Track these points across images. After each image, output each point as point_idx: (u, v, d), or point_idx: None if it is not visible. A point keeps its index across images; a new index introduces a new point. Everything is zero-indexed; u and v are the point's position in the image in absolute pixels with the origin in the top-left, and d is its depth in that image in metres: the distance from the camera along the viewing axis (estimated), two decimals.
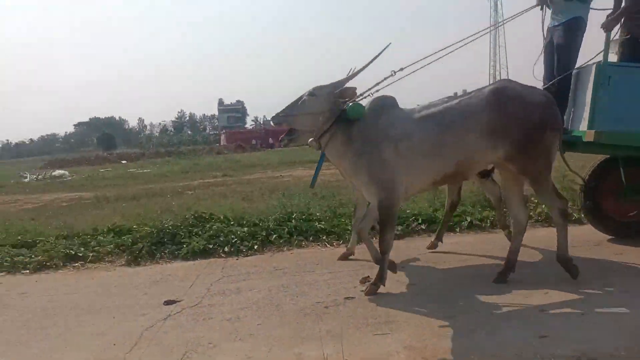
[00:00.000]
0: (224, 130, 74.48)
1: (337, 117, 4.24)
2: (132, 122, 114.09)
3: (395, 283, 4.72)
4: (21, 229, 8.11)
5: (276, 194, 10.32)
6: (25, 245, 7.18)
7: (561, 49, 5.07)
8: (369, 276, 4.81)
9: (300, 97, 4.39)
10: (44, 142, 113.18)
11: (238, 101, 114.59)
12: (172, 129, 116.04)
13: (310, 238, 6.71)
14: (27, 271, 6.33)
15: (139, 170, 26.28)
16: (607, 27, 4.81)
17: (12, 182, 26.80)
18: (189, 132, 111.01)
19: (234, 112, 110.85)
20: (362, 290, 4.58)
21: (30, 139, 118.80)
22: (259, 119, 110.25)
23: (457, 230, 6.59)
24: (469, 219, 6.69)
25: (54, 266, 6.42)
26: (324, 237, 6.72)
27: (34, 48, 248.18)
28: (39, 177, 29.67)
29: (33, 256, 6.66)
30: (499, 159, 4.16)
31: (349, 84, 4.35)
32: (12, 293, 5.48)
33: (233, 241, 6.63)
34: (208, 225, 7.15)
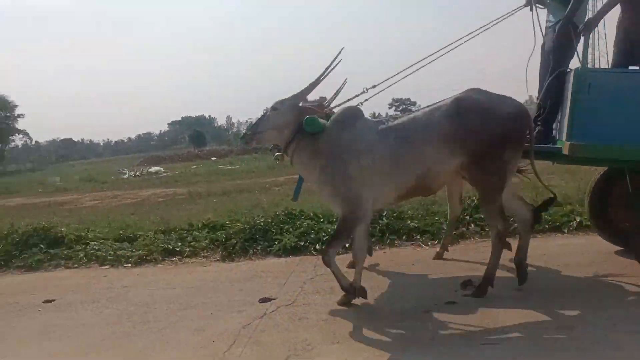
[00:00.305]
0: None
1: (301, 129, 4.16)
2: (221, 120, 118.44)
3: (503, 288, 4.39)
4: (122, 223, 8.50)
5: None
6: (127, 239, 7.51)
7: (552, 52, 4.57)
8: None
9: (265, 114, 4.38)
10: (140, 141, 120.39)
11: (322, 98, 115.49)
12: None
13: (404, 237, 6.50)
14: (129, 265, 6.61)
15: (228, 167, 27.13)
16: (586, 28, 4.24)
17: (113, 179, 28.60)
18: None
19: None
20: (465, 295, 4.32)
21: (129, 138, 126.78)
22: None
23: (565, 231, 6.10)
24: (578, 218, 6.17)
25: (153, 260, 6.65)
26: (417, 236, 6.48)
27: (134, 55, 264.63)
28: (137, 173, 31.46)
29: (134, 250, 6.95)
30: (456, 168, 4.00)
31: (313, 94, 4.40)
32: (116, 286, 5.72)
33: (324, 239, 6.54)
34: (298, 222, 7.12)
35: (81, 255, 6.98)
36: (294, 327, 4.05)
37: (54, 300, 5.31)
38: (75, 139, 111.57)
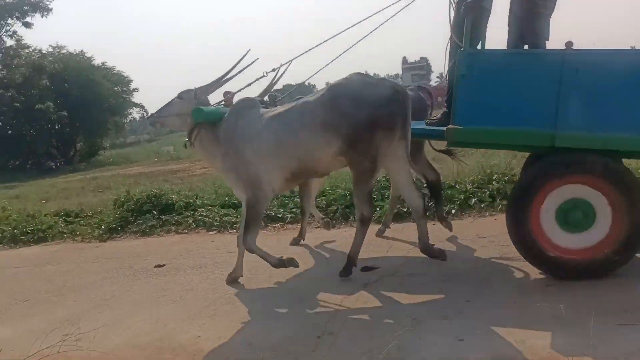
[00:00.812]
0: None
1: None
2: (319, 87, 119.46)
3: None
4: (228, 190, 8.69)
5: (473, 154, 9.55)
6: (232, 205, 7.66)
7: (454, 30, 4.21)
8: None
9: (172, 100, 4.67)
10: None
11: (422, 58, 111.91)
12: None
13: None
14: (234, 231, 6.73)
15: None
16: (467, 11, 3.85)
17: None
18: None
19: (418, 69, 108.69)
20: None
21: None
22: (443, 75, 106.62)
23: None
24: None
25: None
26: None
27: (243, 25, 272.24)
28: None
29: (239, 217, 7.06)
30: (335, 154, 4.01)
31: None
32: (222, 251, 5.84)
33: (428, 205, 6.21)
34: None
35: (190, 221, 7.24)
36: (398, 299, 3.84)
37: (164, 265, 5.52)
38: None
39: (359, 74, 4.18)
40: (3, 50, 31.24)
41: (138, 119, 73.51)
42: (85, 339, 3.66)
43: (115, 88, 35.71)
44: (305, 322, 3.68)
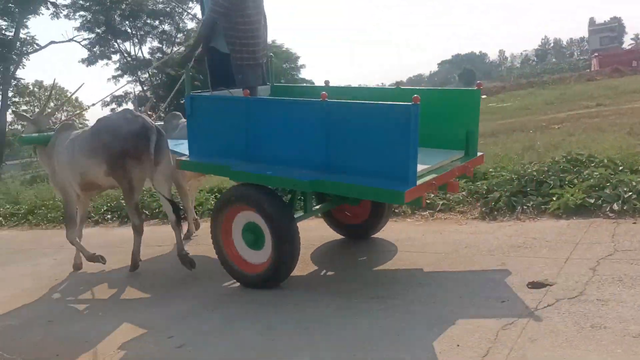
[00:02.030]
0: (595, 54, 64.99)
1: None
2: (492, 56, 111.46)
3: None
4: None
5: None
6: None
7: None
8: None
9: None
10: (411, 83, 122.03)
11: (613, 18, 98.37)
12: (535, 59, 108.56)
13: None
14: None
15: (499, 105, 24.78)
16: (180, 64, 5.12)
17: None
18: (554, 59, 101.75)
19: (608, 31, 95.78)
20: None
21: (400, 80, 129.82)
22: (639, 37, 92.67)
23: None
24: None
25: (402, 213, 5.81)
26: None
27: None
28: None
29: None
30: (105, 174, 4.76)
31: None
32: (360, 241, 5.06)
33: (626, 195, 4.73)
34: (586, 172, 5.36)
35: None
36: (582, 338, 2.68)
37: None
38: (354, 86, 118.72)
39: (128, 110, 5.15)
40: (185, 33, 33.87)
41: None
42: None
43: (284, 65, 36.87)
44: (441, 355, 2.74)
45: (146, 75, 35.38)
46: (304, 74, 41.72)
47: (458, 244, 4.53)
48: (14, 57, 27.91)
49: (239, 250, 4.26)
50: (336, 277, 4.35)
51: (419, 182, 3.48)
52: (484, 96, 40.63)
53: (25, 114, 6.11)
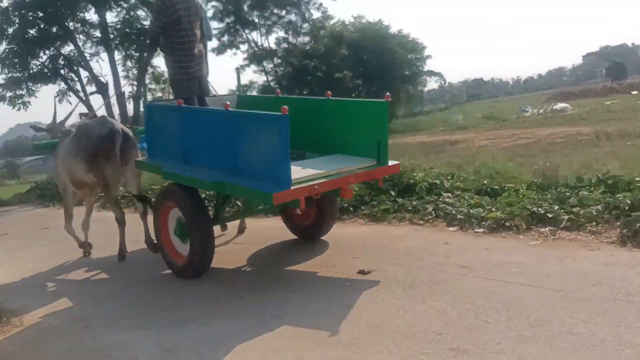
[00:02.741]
0: None
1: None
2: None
3: None
4: (492, 170, 6.73)
5: None
6: (490, 193, 5.78)
7: None
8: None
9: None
10: (550, 77, 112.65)
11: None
12: None
13: None
14: (481, 230, 4.87)
15: None
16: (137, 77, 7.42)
17: (514, 117, 26.87)
18: None
19: None
20: None
21: (539, 74, 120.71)
22: None
23: None
24: None
25: (514, 228, 4.73)
26: None
27: None
28: (540, 111, 28.80)
29: (493, 209, 5.15)
30: (86, 171, 5.28)
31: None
32: (452, 262, 4.10)
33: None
34: None
35: (429, 209, 5.64)
36: None
37: (369, 272, 4.09)
38: (486, 79, 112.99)
39: (103, 117, 5.70)
40: (311, 22, 33.93)
41: (437, 87, 74.02)
42: None
43: (409, 56, 35.58)
44: None
45: (271, 66, 36.16)
46: (430, 65, 40.08)
47: (584, 279, 3.41)
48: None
49: (172, 240, 4.69)
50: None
51: (298, 185, 3.74)
52: (634, 92, 36.21)
53: (41, 125, 6.73)
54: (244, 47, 35.22)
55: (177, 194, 4.49)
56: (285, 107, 3.56)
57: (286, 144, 3.61)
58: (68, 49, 29.88)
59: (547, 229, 4.56)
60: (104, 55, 30.01)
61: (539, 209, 4.84)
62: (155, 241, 5.08)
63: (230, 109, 4.20)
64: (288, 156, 3.67)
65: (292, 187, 3.70)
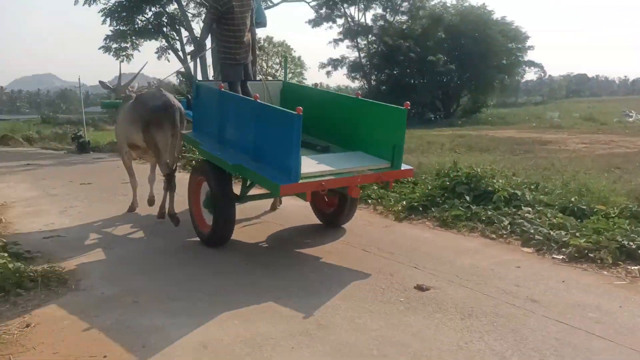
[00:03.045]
0: None
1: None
2: None
3: None
4: (581, 186, 6.14)
5: None
6: (576, 213, 5.31)
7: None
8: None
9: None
10: None
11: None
12: None
13: None
14: (560, 258, 4.42)
15: None
16: (192, 56, 6.13)
17: (615, 121, 24.86)
18: None
19: None
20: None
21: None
22: None
23: None
24: None
25: (598, 260, 4.25)
26: None
27: None
28: None
29: (576, 235, 4.67)
30: (141, 139, 5.72)
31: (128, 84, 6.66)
32: (520, 295, 3.72)
33: None
34: None
35: (505, 223, 5.22)
36: None
37: (427, 289, 3.80)
38: (590, 75, 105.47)
39: (158, 89, 6.15)
40: (411, 1, 32.84)
41: (535, 79, 70.05)
42: None
43: (510, 45, 33.64)
44: None
45: (365, 42, 35.50)
46: (530, 55, 37.79)
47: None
48: None
49: (201, 211, 5.17)
50: None
51: (306, 180, 4.08)
52: None
53: (108, 84, 6.84)
54: (340, 21, 34.84)
55: (207, 169, 4.94)
56: (300, 107, 3.91)
57: (298, 141, 3.98)
58: (172, 7, 31.28)
59: (637, 267, 4.04)
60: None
61: (630, 243, 4.31)
62: (176, 215, 5.67)
63: (262, 99, 4.74)
64: (298, 152, 4.02)
65: (300, 181, 4.05)
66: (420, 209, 6.00)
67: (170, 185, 5.71)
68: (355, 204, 5.47)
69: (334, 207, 5.50)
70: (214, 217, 4.83)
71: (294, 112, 3.91)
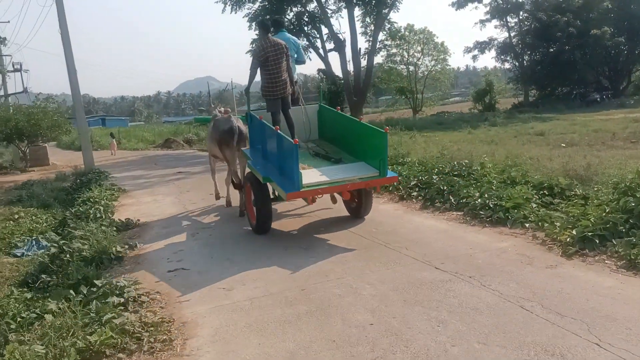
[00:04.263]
0: None
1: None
2: None
3: None
4: None
5: None
6: None
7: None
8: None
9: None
10: None
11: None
12: None
13: None
14: None
15: None
16: (245, 91, 7.75)
17: None
18: None
19: None
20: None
21: None
22: None
23: None
24: None
25: None
26: None
27: None
28: None
29: None
30: (217, 151, 7.85)
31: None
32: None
33: None
34: None
35: None
36: None
37: None
38: None
39: (230, 116, 7.83)
40: None
41: None
42: None
43: None
44: None
45: (515, 20, 32.62)
46: None
47: None
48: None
49: (252, 208, 6.65)
50: None
51: (307, 188, 5.66)
52: None
53: (202, 108, 8.83)
54: (487, 0, 32.40)
55: (252, 178, 6.62)
56: (297, 139, 5.84)
57: (296, 162, 5.56)
58: (312, 5, 31.58)
59: None
60: (344, 13, 31.03)
61: None
62: (244, 209, 7.37)
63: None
64: (298, 169, 5.58)
65: (302, 190, 5.57)
66: (597, 240, 4.74)
67: (235, 185, 7.82)
68: (370, 200, 6.78)
69: (355, 202, 6.85)
70: (256, 213, 6.50)
71: (292, 142, 5.63)
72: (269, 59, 6.68)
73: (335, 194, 7.11)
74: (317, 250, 5.57)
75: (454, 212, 6.64)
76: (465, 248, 5.17)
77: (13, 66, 29.05)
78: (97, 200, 9.37)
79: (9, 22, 32.54)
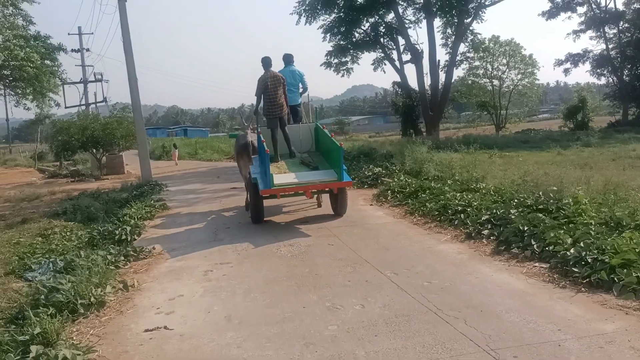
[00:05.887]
0: None
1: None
2: None
3: None
4: None
5: None
6: None
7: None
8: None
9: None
10: None
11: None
12: None
13: None
14: None
15: None
16: (254, 112, 9.31)
17: None
18: None
19: None
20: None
21: None
22: None
23: None
24: None
25: None
26: None
27: None
28: None
29: None
30: (238, 161, 9.97)
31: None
32: None
33: None
34: None
35: None
36: None
37: None
38: None
39: (246, 133, 9.72)
40: None
41: None
42: None
43: None
44: None
45: (614, 31, 29.46)
46: None
47: None
48: (471, 9, 27.12)
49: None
50: None
51: (277, 187, 7.44)
52: None
53: (237, 126, 9.74)
54: (581, 9, 29.58)
55: (251, 181, 8.31)
56: (268, 149, 7.92)
57: (268, 167, 7.65)
58: (390, 16, 30.17)
59: None
60: (422, 23, 29.37)
61: None
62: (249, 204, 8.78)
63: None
64: (269, 173, 7.54)
65: (273, 187, 7.43)
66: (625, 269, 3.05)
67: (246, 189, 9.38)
68: (344, 202, 8.32)
69: (335, 202, 8.39)
70: (251, 207, 8.34)
71: (266, 152, 7.77)
72: (268, 87, 8.47)
73: (321, 197, 9.22)
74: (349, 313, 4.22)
75: (537, 264, 4.99)
76: (550, 329, 3.57)
77: (95, 76, 29.97)
78: (127, 219, 8.51)
79: (92, 33, 33.18)
